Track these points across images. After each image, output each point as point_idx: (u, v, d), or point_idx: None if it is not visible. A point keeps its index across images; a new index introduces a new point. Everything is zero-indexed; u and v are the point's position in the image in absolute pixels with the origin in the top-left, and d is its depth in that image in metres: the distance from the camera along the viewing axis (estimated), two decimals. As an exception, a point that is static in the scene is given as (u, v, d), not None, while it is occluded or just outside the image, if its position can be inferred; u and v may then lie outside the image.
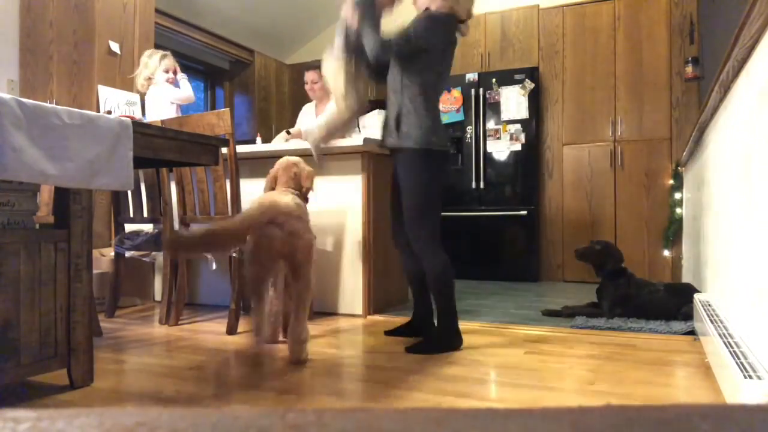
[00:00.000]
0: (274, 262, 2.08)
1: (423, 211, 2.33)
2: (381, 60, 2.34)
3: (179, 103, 3.65)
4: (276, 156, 3.30)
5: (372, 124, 3.40)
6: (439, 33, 2.34)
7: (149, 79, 3.62)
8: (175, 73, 3.69)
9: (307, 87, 3.86)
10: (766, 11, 1.27)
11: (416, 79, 2.33)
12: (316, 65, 3.80)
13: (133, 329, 2.80)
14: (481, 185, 4.94)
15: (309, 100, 4.07)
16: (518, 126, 4.83)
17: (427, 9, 2.37)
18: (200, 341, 2.52)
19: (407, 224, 2.37)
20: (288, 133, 3.77)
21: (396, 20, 2.53)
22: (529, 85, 4.83)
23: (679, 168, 4.26)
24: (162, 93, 3.61)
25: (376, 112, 3.37)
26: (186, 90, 3.67)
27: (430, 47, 2.32)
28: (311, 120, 3.83)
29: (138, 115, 3.76)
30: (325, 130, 2.44)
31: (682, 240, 4.31)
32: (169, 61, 3.65)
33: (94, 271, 2.72)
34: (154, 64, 3.60)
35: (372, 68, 2.45)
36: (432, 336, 2.38)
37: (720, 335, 1.74)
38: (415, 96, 2.33)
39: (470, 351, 2.29)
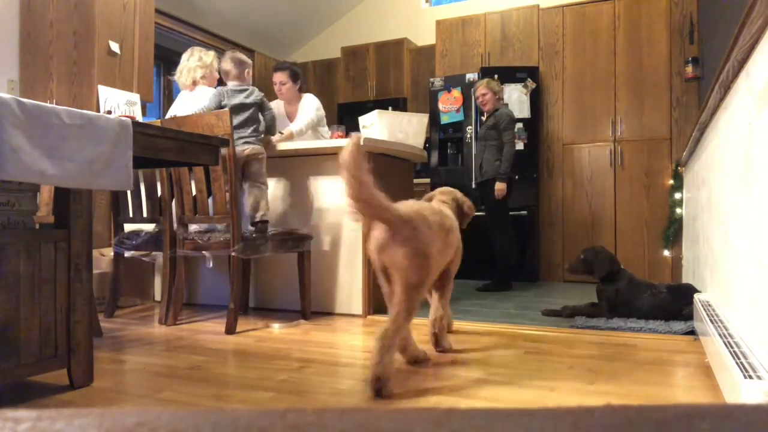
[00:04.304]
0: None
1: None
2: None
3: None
4: (275, 156, 3.31)
5: (370, 122, 3.38)
6: (511, 123, 4.19)
7: (203, 78, 3.37)
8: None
9: (275, 88, 3.69)
10: (766, 11, 1.27)
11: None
12: (284, 66, 3.72)
13: (132, 329, 2.80)
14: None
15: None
16: (518, 126, 4.82)
17: (497, 109, 4.21)
18: (200, 341, 2.52)
19: None
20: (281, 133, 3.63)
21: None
22: (531, 84, 4.83)
23: (679, 168, 4.26)
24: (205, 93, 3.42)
25: (376, 112, 3.36)
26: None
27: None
28: (281, 120, 3.75)
29: (138, 116, 3.76)
30: None
31: (682, 240, 4.31)
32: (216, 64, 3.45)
33: (94, 271, 2.72)
34: (209, 60, 3.43)
35: None
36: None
37: (720, 335, 1.74)
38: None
39: (470, 351, 2.30)
